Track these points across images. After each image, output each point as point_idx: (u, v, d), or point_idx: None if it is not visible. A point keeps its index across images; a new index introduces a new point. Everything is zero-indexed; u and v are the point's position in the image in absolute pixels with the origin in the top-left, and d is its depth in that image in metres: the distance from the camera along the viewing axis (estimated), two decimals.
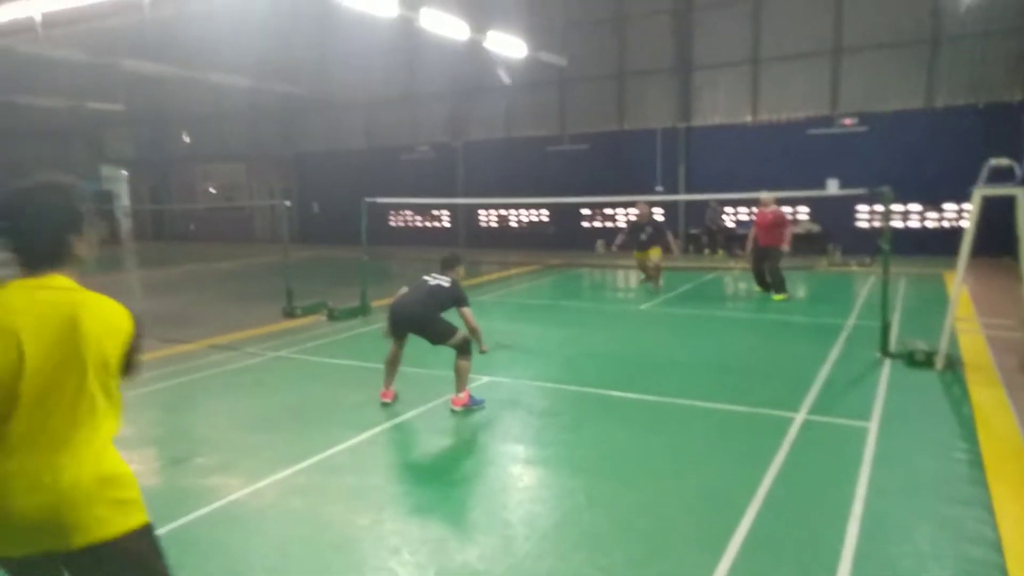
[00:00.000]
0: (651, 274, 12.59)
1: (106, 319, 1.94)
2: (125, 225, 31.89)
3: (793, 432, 5.05)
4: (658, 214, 20.15)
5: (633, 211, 13.58)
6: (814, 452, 4.72)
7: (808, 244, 17.21)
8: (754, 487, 4.10)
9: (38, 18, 20.29)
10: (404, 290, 5.97)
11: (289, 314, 10.30)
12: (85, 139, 32.50)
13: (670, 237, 12.82)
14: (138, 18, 20.72)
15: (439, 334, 5.72)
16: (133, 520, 1.93)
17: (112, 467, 1.93)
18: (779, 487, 4.12)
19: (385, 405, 5.93)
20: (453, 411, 5.71)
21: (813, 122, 17.84)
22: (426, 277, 5.94)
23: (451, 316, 5.79)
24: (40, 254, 1.95)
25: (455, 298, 5.78)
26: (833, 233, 17.11)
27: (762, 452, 4.65)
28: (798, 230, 17.71)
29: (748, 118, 18.77)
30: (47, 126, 31.84)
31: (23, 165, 34.69)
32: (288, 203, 12.87)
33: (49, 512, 1.80)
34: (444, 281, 5.88)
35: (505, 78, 20.42)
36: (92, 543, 1.84)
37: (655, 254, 12.41)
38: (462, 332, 5.72)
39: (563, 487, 4.32)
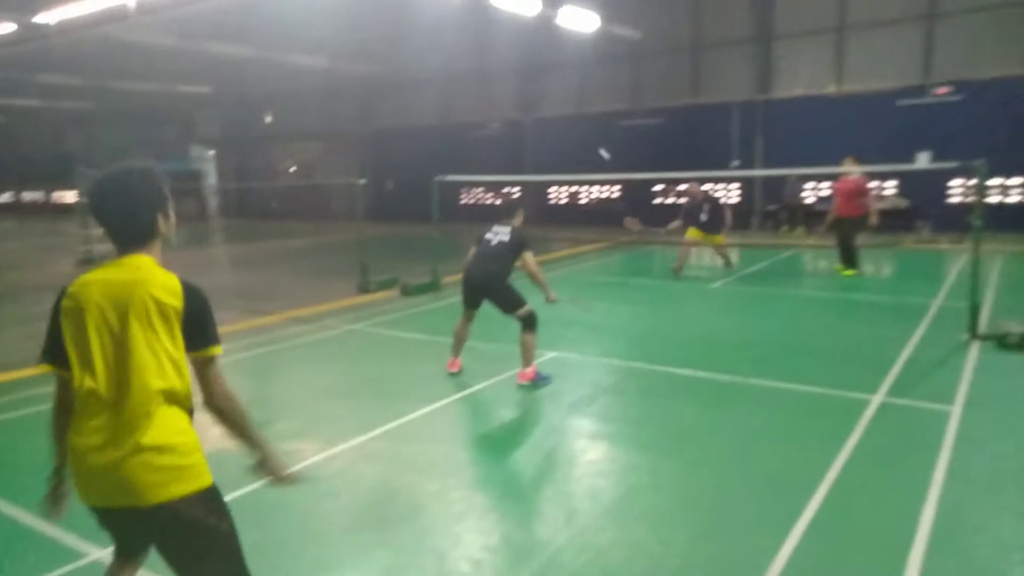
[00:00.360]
0: (722, 255, 12.16)
1: (158, 296, 2.09)
2: (212, 203, 33.40)
3: (869, 414, 4.89)
4: (734, 190, 19.64)
5: (707, 187, 13.22)
6: (890, 435, 4.57)
7: (895, 220, 16.40)
8: (824, 470, 4.01)
9: (132, 5, 21.34)
10: (472, 252, 6.03)
11: (364, 289, 10.61)
12: (176, 121, 34.12)
13: (727, 213, 12.11)
14: (223, 2, 21.49)
15: (509, 302, 5.80)
16: (190, 485, 2.08)
17: (173, 436, 2.08)
18: (851, 470, 4.02)
19: (452, 375, 6.10)
20: (520, 385, 5.80)
21: (903, 92, 16.87)
22: (488, 235, 5.98)
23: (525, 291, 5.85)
24: (129, 234, 2.18)
25: (519, 245, 5.83)
26: (922, 209, 16.23)
27: (835, 434, 4.53)
28: (884, 205, 16.90)
29: (832, 89, 17.92)
30: (141, 109, 33.60)
31: (119, 147, 36.83)
32: (363, 181, 13.18)
33: (112, 471, 2.02)
34: (505, 235, 5.90)
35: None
36: (152, 504, 2.03)
37: (720, 240, 11.84)
38: (529, 307, 5.79)
39: (627, 463, 4.34)
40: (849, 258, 10.87)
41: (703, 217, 11.61)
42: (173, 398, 2.11)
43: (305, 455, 4.49)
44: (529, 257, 5.81)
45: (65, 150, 39.77)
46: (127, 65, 28.61)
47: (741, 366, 6.23)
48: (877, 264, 12.96)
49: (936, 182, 16.40)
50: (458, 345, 6.21)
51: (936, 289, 9.65)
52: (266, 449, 2.38)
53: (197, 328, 2.16)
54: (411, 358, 6.97)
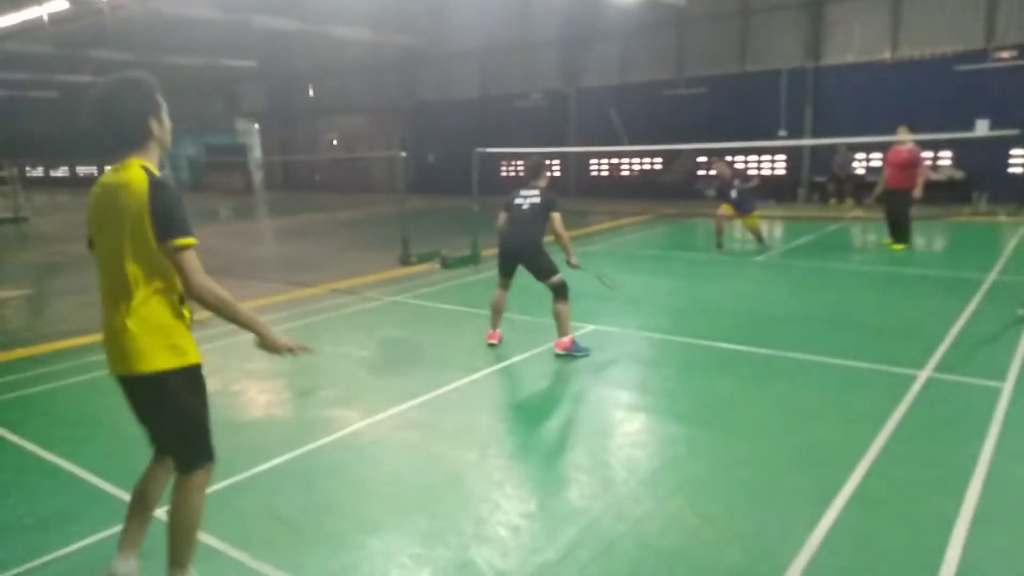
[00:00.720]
0: (755, 233, 11.73)
1: (132, 193, 2.36)
2: (257, 176, 34.00)
3: (915, 389, 4.79)
4: (780, 161, 19.16)
5: (740, 161, 12.90)
6: (937, 411, 4.47)
7: (950, 192, 15.83)
8: (867, 444, 3.95)
9: None
10: (503, 216, 6.09)
11: (405, 261, 10.74)
12: (221, 95, 34.68)
13: (754, 188, 11.65)
14: None
15: (543, 268, 5.87)
16: (173, 362, 2.47)
17: (159, 318, 2.46)
18: (895, 445, 3.96)
19: (491, 346, 6.17)
20: (556, 355, 5.84)
21: (963, 57, 16.14)
22: (518, 200, 6.03)
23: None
24: (124, 137, 2.48)
25: (547, 206, 5.89)
26: (980, 180, 15.61)
27: (879, 409, 4.45)
28: (939, 177, 16.31)
29: (887, 55, 17.24)
30: (187, 83, 34.17)
31: (172, 120, 37.60)
32: (404, 154, 13.26)
33: (112, 345, 2.48)
34: (535, 197, 5.95)
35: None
36: (139, 372, 2.45)
37: (751, 222, 11.53)
38: (561, 275, 5.85)
39: (665, 434, 4.35)
40: (900, 232, 10.54)
41: (733, 194, 11.26)
42: (154, 287, 2.45)
43: (349, 422, 4.61)
44: (557, 218, 5.87)
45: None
46: (174, 40, 29.13)
47: (784, 340, 6.15)
48: (929, 237, 12.56)
49: (996, 152, 15.74)
50: (496, 317, 6.29)
51: (991, 263, 9.32)
52: (259, 329, 2.58)
53: (163, 221, 2.35)
54: (451, 329, 7.05)
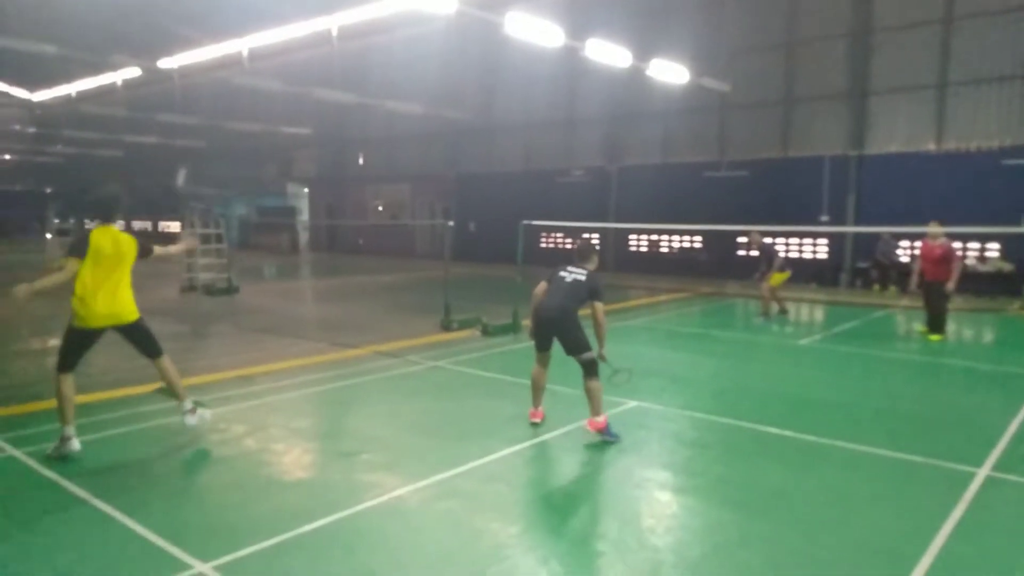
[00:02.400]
0: (764, 302, 12.67)
1: (127, 241, 5.30)
2: (303, 237, 34.99)
3: (974, 488, 4.62)
4: (822, 245, 19.09)
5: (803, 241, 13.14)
6: (999, 513, 4.30)
7: (998, 284, 15.54)
8: (926, 543, 3.81)
9: (246, 52, 23.00)
10: (542, 286, 6.00)
11: (446, 327, 10.85)
12: (276, 159, 36.17)
13: (777, 260, 12.72)
14: (327, 51, 22.88)
15: (575, 342, 5.72)
16: (136, 316, 5.40)
17: (131, 296, 5.37)
18: (955, 547, 3.80)
19: (534, 425, 6.03)
20: (587, 433, 5.68)
21: (1009, 152, 16.12)
22: (562, 273, 5.94)
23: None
24: (106, 217, 5.34)
25: (592, 290, 5.80)
26: None
27: (936, 507, 4.30)
28: (987, 268, 16.07)
29: (931, 146, 17.31)
30: (246, 148, 35.83)
31: (226, 181, 39.17)
32: (451, 223, 13.59)
33: (114, 309, 5.23)
34: (580, 275, 5.88)
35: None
36: (129, 321, 5.35)
37: (773, 281, 12.52)
38: (593, 353, 5.72)
39: (713, 519, 4.25)
40: (937, 322, 10.53)
41: (763, 267, 12.64)
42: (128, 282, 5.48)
43: (392, 487, 4.61)
44: (599, 307, 5.77)
45: (174, 184, 42.70)
46: (236, 107, 30.74)
47: (831, 427, 6.01)
48: (978, 329, 12.29)
49: None
50: (538, 394, 6.13)
51: None
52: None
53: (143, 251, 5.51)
54: (492, 397, 7.06)
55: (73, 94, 33.74)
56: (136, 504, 4.29)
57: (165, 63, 22.58)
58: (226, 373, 7.85)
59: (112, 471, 4.93)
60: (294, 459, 5.27)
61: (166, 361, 5.55)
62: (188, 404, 5.63)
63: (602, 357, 5.80)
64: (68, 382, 5.16)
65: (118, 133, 35.45)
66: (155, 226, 45.28)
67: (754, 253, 13.44)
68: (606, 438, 5.60)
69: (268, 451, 5.38)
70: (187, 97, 29.73)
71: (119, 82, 29.53)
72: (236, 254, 18.41)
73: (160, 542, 3.79)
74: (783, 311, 12.76)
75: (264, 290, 17.32)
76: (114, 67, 26.39)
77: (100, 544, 3.80)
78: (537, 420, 6.09)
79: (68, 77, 31.89)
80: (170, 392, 5.76)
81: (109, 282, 5.15)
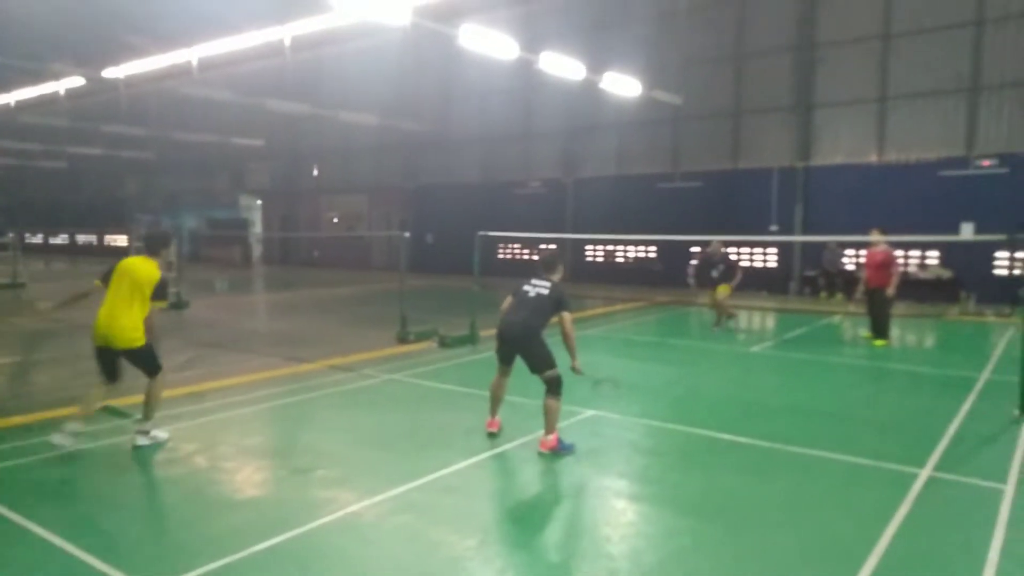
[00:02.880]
0: (717, 311, 12.54)
1: (148, 272, 5.63)
2: (256, 250, 34.34)
3: (917, 488, 4.78)
4: (772, 254, 19.58)
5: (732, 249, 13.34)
6: (941, 511, 4.45)
7: (938, 291, 16.16)
8: (872, 543, 3.92)
9: (195, 62, 22.58)
10: (508, 301, 5.94)
11: (403, 339, 10.76)
12: (228, 171, 35.49)
13: (739, 273, 12.62)
14: (280, 62, 22.62)
15: (539, 360, 5.62)
16: (137, 344, 5.54)
17: (135, 324, 5.53)
18: (901, 545, 3.92)
19: (491, 435, 6.00)
20: (540, 454, 5.52)
21: (946, 163, 16.82)
22: (527, 287, 5.87)
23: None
24: (151, 251, 5.84)
25: (557, 302, 5.69)
26: (967, 280, 15.97)
27: (882, 507, 4.43)
28: (927, 275, 16.69)
29: (873, 158, 17.96)
30: (195, 159, 35.06)
31: (176, 194, 38.28)
32: (407, 234, 13.52)
33: (107, 331, 5.50)
34: (544, 288, 5.78)
35: None
36: (124, 348, 5.54)
37: (723, 291, 12.29)
38: (557, 371, 5.59)
39: (668, 526, 4.30)
40: (881, 328, 10.90)
41: (714, 273, 12.27)
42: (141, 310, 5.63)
43: (346, 503, 4.54)
44: (567, 317, 5.65)
45: (122, 196, 41.54)
46: (185, 118, 30.10)
47: (783, 432, 6.15)
48: (920, 335, 12.74)
49: (981, 253, 16.16)
50: (495, 404, 6.11)
51: (983, 362, 9.43)
52: None
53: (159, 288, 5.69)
54: (449, 410, 7.02)
55: (12, 103, 32.54)
56: (78, 527, 4.14)
57: (110, 72, 22.01)
58: (176, 390, 7.62)
59: (53, 493, 4.74)
60: (246, 477, 5.14)
61: (159, 381, 5.75)
62: (148, 425, 5.74)
63: (575, 369, 5.68)
64: (101, 390, 5.71)
65: (61, 144, 34.34)
66: (100, 239, 43.86)
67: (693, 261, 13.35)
68: (559, 452, 5.53)
69: (219, 469, 5.24)
70: (134, 107, 29.00)
71: (62, 91, 28.62)
72: (186, 267, 17.95)
73: (102, 566, 3.65)
74: (731, 316, 12.81)
75: (215, 304, 16.93)
76: (56, 76, 25.59)
77: (38, 572, 3.65)
78: (494, 430, 6.06)
79: (6, 86, 30.76)
80: (118, 411, 6.00)
81: (113, 306, 5.49)
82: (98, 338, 5.53)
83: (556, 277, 5.97)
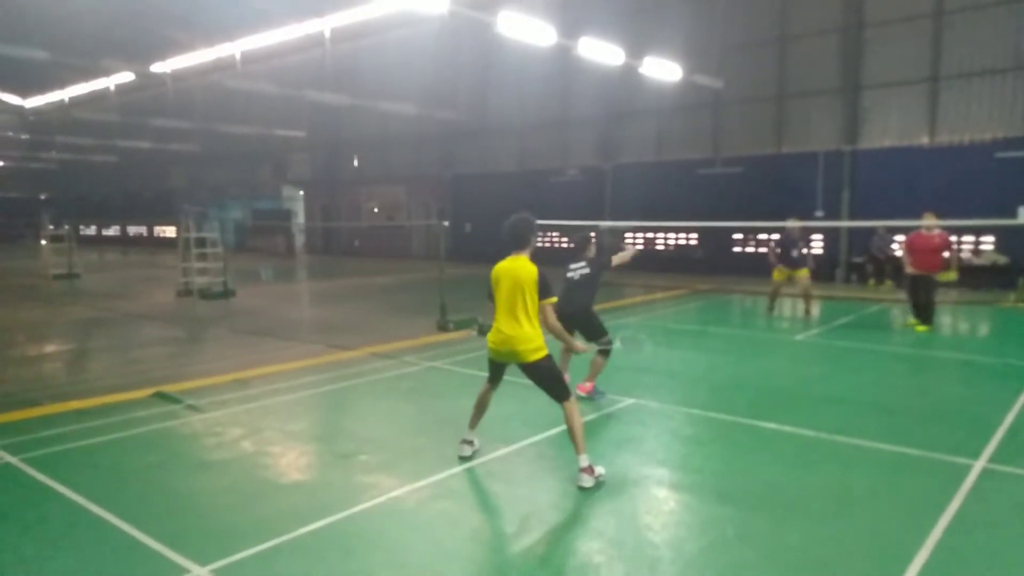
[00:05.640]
0: (783, 296, 12.70)
1: (529, 271, 4.73)
2: (299, 240, 34.93)
3: (970, 480, 4.63)
4: (817, 240, 19.14)
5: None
6: (997, 505, 4.31)
7: (994, 277, 15.58)
8: (923, 536, 3.82)
9: (238, 56, 22.97)
10: (558, 289, 6.52)
11: (443, 328, 10.84)
12: (270, 162, 36.12)
13: (811, 258, 12.64)
14: (320, 53, 22.87)
15: (594, 330, 6.68)
16: (539, 355, 4.74)
17: (531, 331, 4.74)
18: (953, 539, 3.81)
19: (582, 399, 6.60)
20: (579, 397, 6.35)
21: (1002, 144, 16.16)
22: (570, 274, 6.78)
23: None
24: (515, 245, 4.88)
25: (598, 268, 6.77)
26: None
27: (933, 499, 4.31)
28: (982, 261, 16.12)
29: (924, 140, 17.35)
30: (239, 150, 35.76)
31: (221, 185, 39.14)
32: (446, 223, 13.57)
33: (506, 345, 4.78)
34: (584, 268, 6.74)
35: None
36: (526, 361, 4.74)
37: (804, 275, 12.20)
38: (608, 338, 6.63)
39: (710, 515, 4.25)
40: (926, 314, 10.62)
41: (795, 254, 12.25)
42: (532, 314, 4.80)
43: (389, 488, 4.60)
44: (614, 259, 6.95)
45: (169, 188, 42.65)
46: (229, 110, 30.69)
47: (828, 422, 6.02)
48: (974, 322, 12.31)
49: None
50: (564, 363, 6.90)
51: None
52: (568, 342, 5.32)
53: (542, 286, 4.75)
54: None
55: (66, 100, 33.64)
56: (133, 509, 4.28)
57: (158, 67, 22.54)
58: (222, 377, 7.84)
59: (109, 477, 4.92)
60: (291, 462, 5.26)
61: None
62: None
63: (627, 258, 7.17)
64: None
65: (112, 138, 35.37)
66: (151, 231, 45.15)
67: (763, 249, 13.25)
68: (594, 397, 6.70)
69: (265, 454, 5.37)
70: (180, 101, 29.68)
71: (112, 87, 29.47)
72: (232, 257, 18.36)
73: (157, 547, 3.78)
74: (808, 312, 12.47)
75: (260, 293, 17.29)
76: (106, 72, 26.33)
77: (97, 550, 3.79)
78: (583, 393, 6.73)
79: (61, 83, 31.80)
80: (171, 397, 6.10)
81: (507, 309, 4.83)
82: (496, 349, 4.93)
83: (590, 254, 6.89)
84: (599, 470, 4.72)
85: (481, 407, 5.28)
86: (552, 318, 4.86)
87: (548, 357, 4.77)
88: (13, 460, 5.17)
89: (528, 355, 4.72)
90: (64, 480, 4.74)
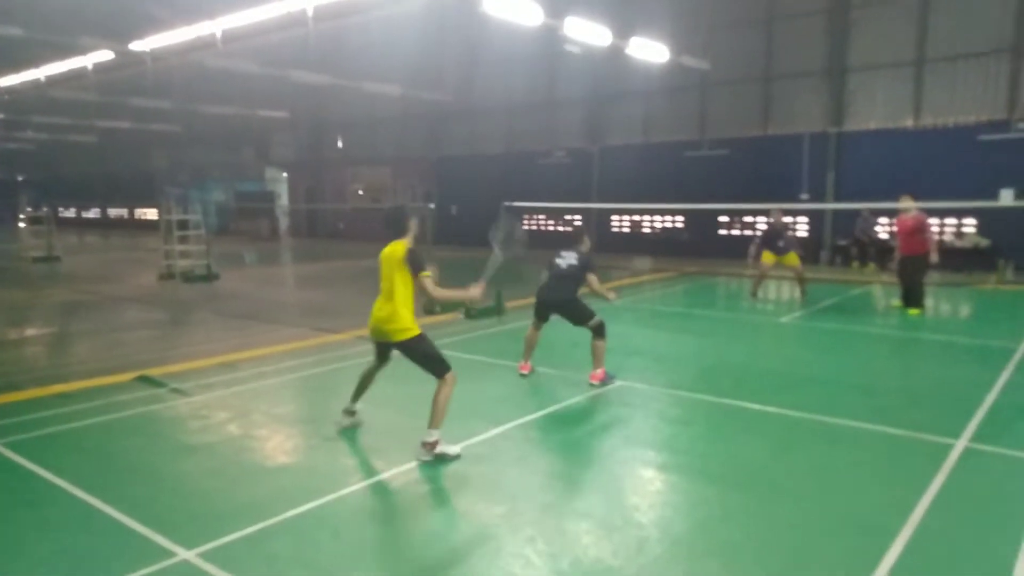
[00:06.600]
0: (799, 282, 12.50)
1: (399, 250, 4.85)
2: (283, 223, 34.60)
3: (952, 459, 4.70)
4: (802, 223, 19.23)
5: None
6: (978, 483, 4.38)
7: (975, 259, 15.76)
8: (906, 514, 3.87)
9: (219, 34, 22.54)
10: (544, 276, 6.80)
11: (429, 311, 10.80)
12: (252, 143, 35.65)
13: (797, 244, 12.79)
14: (303, 32, 22.50)
15: (580, 314, 6.60)
16: (408, 335, 4.86)
17: (402, 312, 4.84)
18: (936, 516, 3.87)
19: (522, 376, 6.88)
20: (591, 385, 6.52)
21: (986, 127, 16.28)
22: (558, 260, 6.77)
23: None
24: (394, 232, 4.98)
25: (584, 266, 6.64)
26: (1005, 248, 15.53)
27: (915, 478, 4.37)
28: (963, 244, 16.29)
29: (909, 122, 17.44)
30: (220, 132, 35.26)
31: (203, 167, 38.64)
32: (432, 206, 13.49)
33: (378, 324, 4.92)
34: (573, 259, 6.70)
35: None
36: (396, 341, 4.87)
37: (793, 260, 12.31)
38: (599, 317, 6.56)
39: (697, 495, 4.29)
40: (913, 296, 10.70)
41: (780, 243, 12.32)
42: (405, 294, 4.92)
43: (376, 471, 4.60)
44: (593, 279, 6.65)
45: (150, 170, 42.03)
46: (211, 90, 30.19)
47: (813, 403, 6.08)
48: (955, 304, 12.46)
49: (1021, 220, 15.69)
50: (529, 350, 6.97)
51: (1022, 332, 9.20)
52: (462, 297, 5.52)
53: (410, 261, 4.86)
54: (476, 380, 7.04)
55: (42, 79, 32.90)
56: (118, 493, 4.25)
57: (137, 46, 22.08)
58: (208, 360, 7.77)
59: (94, 461, 4.87)
60: (277, 444, 5.23)
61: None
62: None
63: (613, 299, 6.90)
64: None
65: (90, 118, 34.72)
66: (131, 213, 44.54)
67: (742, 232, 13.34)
68: (606, 383, 6.57)
69: (251, 437, 5.34)
70: (160, 81, 29.15)
71: (89, 66, 28.82)
72: (215, 240, 18.16)
73: (143, 530, 3.75)
74: (803, 289, 12.53)
75: (244, 276, 17.14)
76: (84, 50, 25.75)
77: (81, 534, 3.76)
78: (525, 372, 6.91)
79: (36, 61, 31.07)
80: (155, 381, 6.11)
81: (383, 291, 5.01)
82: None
83: (583, 248, 6.85)
84: (445, 449, 4.77)
85: (364, 381, 5.53)
86: (433, 290, 4.98)
87: (420, 337, 4.89)
88: None
89: (395, 335, 4.86)
90: (48, 465, 4.69)
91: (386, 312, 4.90)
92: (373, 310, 5.00)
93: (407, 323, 4.88)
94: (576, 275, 6.64)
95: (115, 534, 3.75)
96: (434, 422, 4.79)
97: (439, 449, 4.76)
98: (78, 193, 48.28)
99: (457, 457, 4.80)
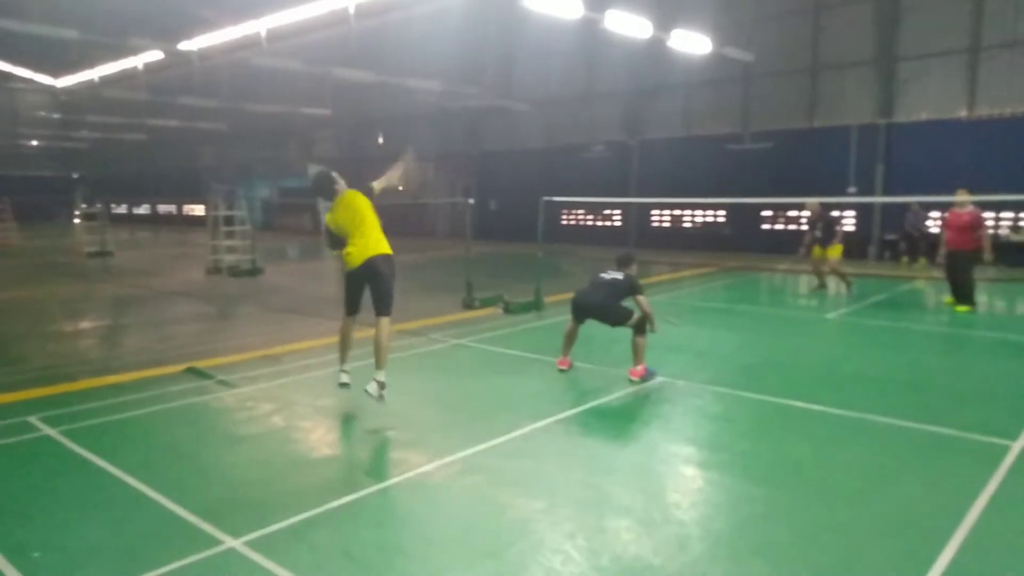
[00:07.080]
0: (823, 275, 12.46)
1: (359, 197, 5.85)
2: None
3: (1009, 461, 4.53)
4: (849, 217, 18.75)
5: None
6: None
7: None
8: (959, 517, 3.75)
9: (264, 33, 22.99)
10: (584, 287, 6.85)
11: (468, 305, 10.86)
12: (297, 140, 36.27)
13: (838, 231, 12.31)
14: (345, 29, 22.80)
15: (619, 316, 6.59)
16: (389, 250, 5.78)
17: (376, 242, 5.76)
18: (990, 520, 3.74)
19: (561, 372, 6.88)
20: (631, 381, 6.48)
21: None
22: (603, 274, 6.82)
23: None
24: (323, 196, 5.98)
25: (631, 287, 6.65)
26: None
27: (968, 480, 4.23)
28: (1020, 238, 15.70)
29: (963, 113, 16.85)
30: (267, 129, 35.94)
31: (248, 163, 39.39)
32: (471, 201, 13.54)
33: (366, 251, 5.69)
34: (618, 275, 6.74)
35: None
36: (382, 253, 5.75)
37: (833, 254, 12.00)
38: (637, 314, 6.52)
39: (740, 493, 4.22)
40: (964, 293, 10.34)
41: (817, 233, 12.16)
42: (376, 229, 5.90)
43: (417, 464, 4.64)
44: (643, 300, 6.58)
45: (197, 167, 43.09)
46: (256, 88, 30.80)
47: (859, 401, 5.93)
48: (1011, 300, 12.02)
49: None
50: (568, 345, 6.95)
51: None
52: None
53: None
54: (516, 375, 7.06)
55: (96, 79, 34.00)
56: (168, 482, 4.37)
57: (185, 45, 22.64)
58: (252, 353, 7.95)
59: (144, 449, 5.02)
60: (320, 436, 5.32)
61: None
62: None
63: (654, 330, 6.62)
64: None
65: (141, 117, 35.78)
66: (180, 209, 45.72)
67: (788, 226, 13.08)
68: (647, 379, 6.50)
69: (295, 429, 5.44)
70: (207, 80, 29.89)
71: (140, 66, 29.69)
72: (259, 236, 18.55)
73: (191, 518, 3.86)
74: (849, 285, 12.30)
75: (288, 271, 17.47)
76: (135, 51, 26.52)
77: (133, 521, 3.88)
78: (564, 368, 6.91)
79: (90, 62, 32.12)
80: (202, 372, 6.44)
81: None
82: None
83: (631, 271, 6.88)
84: (374, 388, 5.62)
85: (345, 342, 6.20)
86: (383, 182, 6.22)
87: (392, 257, 5.88)
88: (52, 432, 5.30)
89: (382, 249, 5.84)
90: (100, 452, 4.85)
91: (371, 241, 5.77)
92: (353, 252, 5.72)
93: (387, 245, 5.84)
94: (618, 288, 6.64)
95: (165, 521, 3.86)
96: (379, 364, 5.74)
97: (377, 390, 5.64)
98: (129, 190, 49.78)
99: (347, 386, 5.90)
